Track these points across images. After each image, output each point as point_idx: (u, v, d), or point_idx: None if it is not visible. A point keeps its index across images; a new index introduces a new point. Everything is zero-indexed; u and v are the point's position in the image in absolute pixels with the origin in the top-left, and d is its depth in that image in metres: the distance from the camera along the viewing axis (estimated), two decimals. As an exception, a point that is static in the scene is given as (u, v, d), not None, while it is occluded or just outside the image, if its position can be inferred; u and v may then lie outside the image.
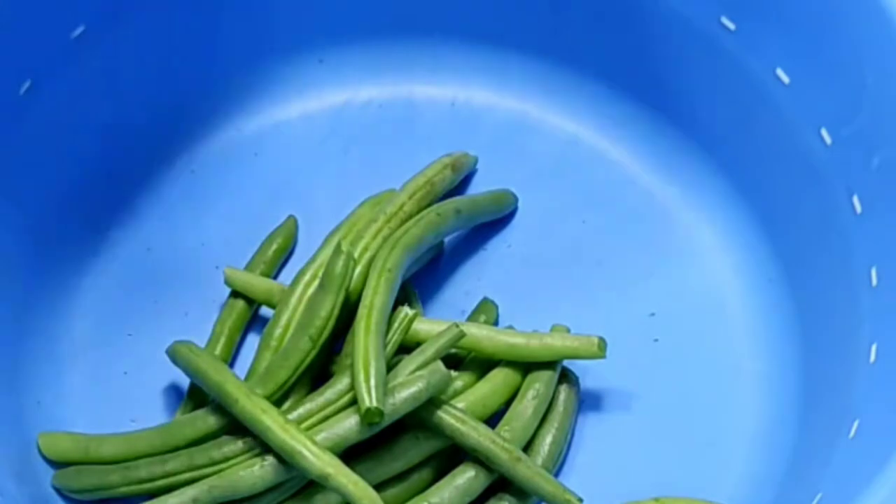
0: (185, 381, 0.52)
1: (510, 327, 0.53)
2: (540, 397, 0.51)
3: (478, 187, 0.59)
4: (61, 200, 0.57)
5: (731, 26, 0.54)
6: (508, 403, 0.51)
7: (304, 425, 0.48)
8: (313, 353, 0.50)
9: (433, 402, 0.49)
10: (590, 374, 0.53)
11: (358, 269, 0.52)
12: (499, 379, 0.51)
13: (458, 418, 0.49)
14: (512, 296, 0.55)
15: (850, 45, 0.50)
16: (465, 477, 0.49)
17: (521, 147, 0.60)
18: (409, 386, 0.48)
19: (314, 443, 0.47)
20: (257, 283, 0.55)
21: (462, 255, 0.57)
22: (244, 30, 0.59)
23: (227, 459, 0.48)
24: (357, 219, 0.56)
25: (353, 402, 0.48)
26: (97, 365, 0.54)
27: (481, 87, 0.61)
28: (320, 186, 0.59)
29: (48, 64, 0.54)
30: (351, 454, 0.48)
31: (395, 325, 0.50)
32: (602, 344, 0.51)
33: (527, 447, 0.50)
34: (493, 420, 0.50)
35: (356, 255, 0.52)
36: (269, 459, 0.47)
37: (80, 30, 0.55)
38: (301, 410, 0.48)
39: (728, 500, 0.50)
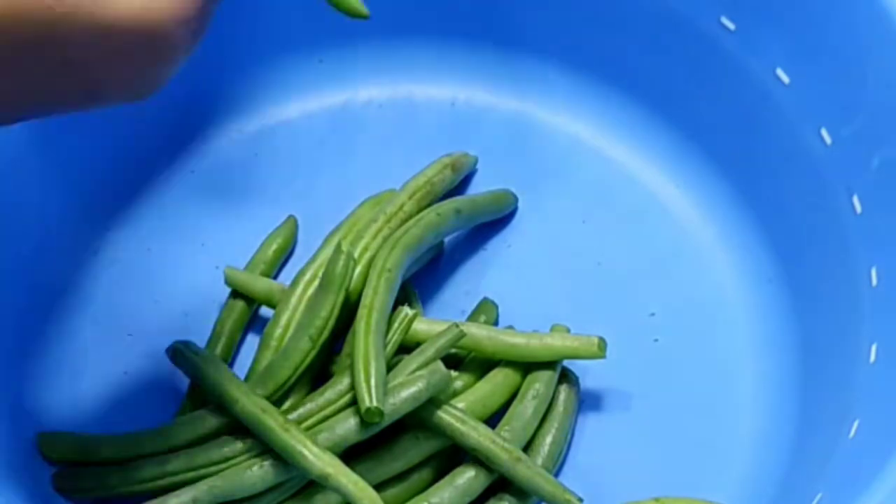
0: (185, 381, 0.52)
1: (510, 327, 0.53)
2: (540, 397, 0.51)
3: (478, 187, 0.59)
4: (61, 200, 0.57)
5: (731, 26, 0.54)
6: (508, 403, 0.51)
7: (304, 425, 0.48)
8: (313, 353, 0.50)
9: (433, 402, 0.49)
10: (590, 374, 0.53)
11: (358, 269, 0.52)
12: (499, 379, 0.51)
13: (458, 418, 0.49)
14: (512, 296, 0.55)
15: (850, 45, 0.50)
16: (465, 477, 0.49)
17: (521, 147, 0.60)
18: (409, 386, 0.48)
19: (314, 443, 0.47)
20: (257, 283, 0.55)
21: (462, 255, 0.57)
22: (244, 30, 0.59)
23: (227, 459, 0.48)
24: (357, 219, 0.56)
25: (353, 402, 0.48)
26: (97, 365, 0.54)
27: (481, 87, 0.61)
28: (320, 186, 0.59)
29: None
30: (351, 454, 0.48)
31: (395, 325, 0.50)
32: (602, 344, 0.51)
33: (527, 447, 0.50)
34: (493, 420, 0.50)
35: (356, 255, 0.52)
36: (269, 459, 0.47)
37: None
38: (301, 410, 0.48)
39: (728, 500, 0.50)
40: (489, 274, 0.57)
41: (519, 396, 0.51)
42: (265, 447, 0.47)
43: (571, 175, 0.59)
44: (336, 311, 0.50)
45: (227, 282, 0.55)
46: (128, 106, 0.58)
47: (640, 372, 0.53)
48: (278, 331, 0.52)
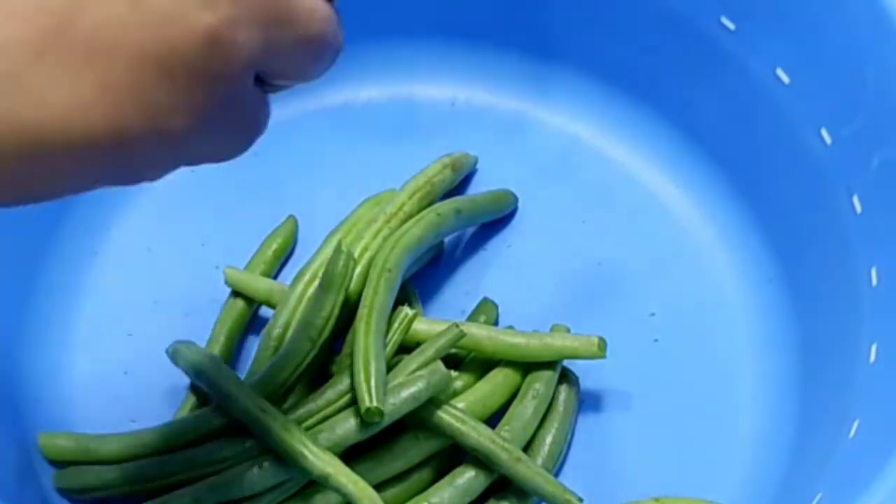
0: (185, 381, 0.52)
1: (510, 327, 0.53)
2: (540, 397, 0.51)
3: (478, 187, 0.59)
4: (61, 200, 0.56)
5: (731, 26, 0.54)
6: (508, 403, 0.51)
7: (304, 425, 0.48)
8: (313, 353, 0.50)
9: (433, 402, 0.49)
10: (590, 374, 0.53)
11: (358, 269, 0.52)
12: (499, 379, 0.51)
13: (458, 418, 0.49)
14: (512, 296, 0.55)
15: (850, 45, 0.50)
16: (465, 477, 0.49)
17: (521, 147, 0.60)
18: (409, 386, 0.48)
19: (314, 443, 0.47)
20: (257, 283, 0.55)
21: (462, 255, 0.57)
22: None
23: (226, 459, 0.48)
24: (357, 219, 0.56)
25: (353, 402, 0.48)
26: (97, 365, 0.54)
27: (481, 87, 0.61)
28: (320, 186, 0.59)
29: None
30: (351, 454, 0.48)
31: (395, 325, 0.50)
32: (602, 344, 0.51)
33: (527, 447, 0.50)
34: (493, 420, 0.50)
35: (356, 255, 0.52)
36: (269, 459, 0.47)
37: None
38: (301, 410, 0.48)
39: (728, 500, 0.50)
40: (489, 274, 0.57)
41: (519, 396, 0.51)
42: (265, 447, 0.47)
43: (571, 175, 0.59)
44: (336, 311, 0.50)
45: (227, 282, 0.55)
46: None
47: (640, 372, 0.53)
48: (278, 331, 0.52)
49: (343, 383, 0.48)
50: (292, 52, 0.35)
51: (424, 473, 0.50)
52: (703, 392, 0.53)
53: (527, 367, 0.51)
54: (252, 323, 0.55)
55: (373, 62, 0.61)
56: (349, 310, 0.51)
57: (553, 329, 0.53)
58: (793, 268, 0.55)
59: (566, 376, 0.52)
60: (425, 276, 0.56)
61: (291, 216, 0.57)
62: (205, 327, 0.54)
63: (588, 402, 0.53)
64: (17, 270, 0.54)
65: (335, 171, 0.59)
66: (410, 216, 0.54)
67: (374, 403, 0.46)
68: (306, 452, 0.46)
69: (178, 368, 0.51)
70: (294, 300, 0.52)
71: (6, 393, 0.52)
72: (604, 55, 0.59)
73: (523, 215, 0.58)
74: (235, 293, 0.55)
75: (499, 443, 0.48)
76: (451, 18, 0.60)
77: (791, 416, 0.52)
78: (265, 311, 0.55)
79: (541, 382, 0.51)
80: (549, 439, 0.51)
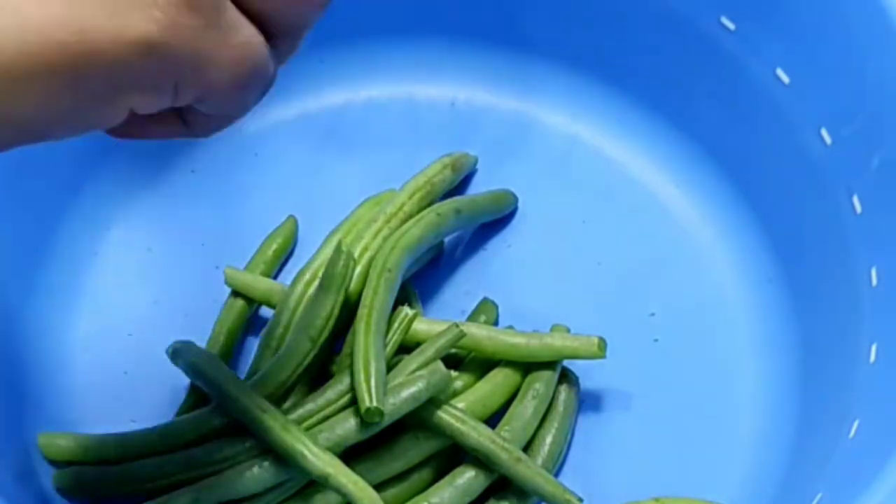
0: (185, 381, 0.52)
1: (510, 327, 0.53)
2: (540, 397, 0.51)
3: (478, 187, 0.59)
4: (62, 200, 0.57)
5: (731, 26, 0.54)
6: (508, 403, 0.51)
7: (304, 425, 0.48)
8: (313, 353, 0.50)
9: (433, 402, 0.49)
10: (590, 374, 0.53)
11: (358, 269, 0.52)
12: (499, 379, 0.51)
13: (458, 418, 0.49)
14: (512, 296, 0.55)
15: (850, 45, 0.50)
16: (465, 477, 0.49)
17: (521, 147, 0.60)
18: (409, 386, 0.48)
19: (314, 443, 0.47)
20: (257, 283, 0.55)
21: (462, 255, 0.57)
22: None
23: (227, 459, 0.48)
24: (357, 219, 0.56)
25: (353, 402, 0.48)
26: (97, 365, 0.54)
27: (481, 87, 0.61)
28: (320, 186, 0.59)
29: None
30: (351, 454, 0.48)
31: (395, 325, 0.50)
32: (602, 344, 0.51)
33: (527, 447, 0.50)
34: (493, 420, 0.50)
35: (356, 255, 0.52)
36: (269, 459, 0.47)
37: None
38: (301, 410, 0.48)
39: (728, 500, 0.50)
40: (489, 274, 0.57)
41: (519, 396, 0.51)
42: (265, 447, 0.47)
43: (571, 175, 0.59)
44: (336, 311, 0.50)
45: (227, 282, 0.55)
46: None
47: (640, 372, 0.53)
48: (278, 331, 0.52)
49: (343, 383, 0.48)
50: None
51: (424, 473, 0.50)
52: (703, 392, 0.53)
53: (527, 367, 0.51)
54: (252, 323, 0.55)
55: (373, 62, 0.61)
56: (349, 310, 0.51)
57: (553, 329, 0.53)
58: (793, 268, 0.55)
59: (566, 376, 0.52)
60: (425, 276, 0.56)
61: (291, 216, 0.57)
62: (205, 327, 0.54)
63: (588, 402, 0.53)
64: (17, 270, 0.54)
65: (335, 171, 0.59)
66: (410, 216, 0.54)
67: (374, 403, 0.46)
68: (306, 452, 0.46)
69: (178, 368, 0.51)
70: (294, 300, 0.52)
71: (6, 393, 0.52)
72: (604, 55, 0.59)
73: (523, 215, 0.58)
74: (235, 293, 0.55)
75: (499, 443, 0.48)
76: (451, 18, 0.60)
77: (791, 416, 0.52)
78: (265, 311, 0.55)
79: (541, 382, 0.51)
80: (549, 439, 0.51)
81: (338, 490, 0.46)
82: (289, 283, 0.54)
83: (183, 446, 0.49)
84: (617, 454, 0.52)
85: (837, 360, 0.50)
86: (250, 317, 0.55)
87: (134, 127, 0.36)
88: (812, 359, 0.53)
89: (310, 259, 0.54)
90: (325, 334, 0.50)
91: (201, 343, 0.53)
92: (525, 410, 0.50)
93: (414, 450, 0.49)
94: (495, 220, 0.58)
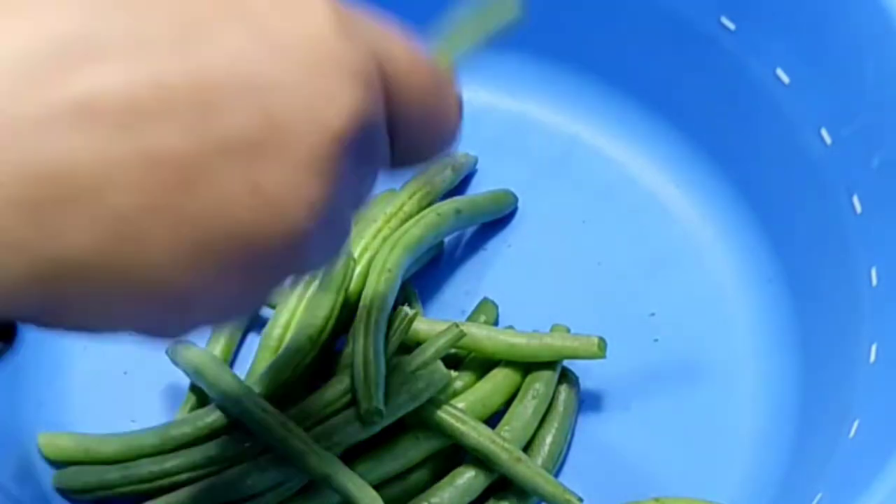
0: (185, 381, 0.52)
1: (510, 327, 0.53)
2: (540, 397, 0.51)
3: (478, 187, 0.59)
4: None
5: (731, 26, 0.54)
6: (508, 403, 0.51)
7: (304, 425, 0.48)
8: (313, 353, 0.50)
9: (433, 402, 0.49)
10: (590, 374, 0.53)
11: (358, 269, 0.52)
12: (499, 379, 0.51)
13: (458, 418, 0.49)
14: (512, 296, 0.55)
15: (850, 45, 0.50)
16: (465, 477, 0.49)
17: (521, 147, 0.60)
18: (409, 386, 0.48)
19: (314, 443, 0.47)
20: (257, 283, 0.54)
21: (462, 255, 0.57)
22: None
23: (226, 459, 0.48)
24: (357, 219, 0.56)
25: (353, 402, 0.48)
26: (97, 365, 0.54)
27: (481, 87, 0.61)
28: (320, 186, 0.59)
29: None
30: (351, 454, 0.48)
31: (395, 325, 0.50)
32: (602, 344, 0.51)
33: (527, 447, 0.50)
34: (493, 420, 0.50)
35: (356, 255, 0.52)
36: (269, 459, 0.47)
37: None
38: (301, 410, 0.48)
39: (728, 500, 0.50)
40: (489, 274, 0.57)
41: (519, 396, 0.51)
42: (265, 447, 0.47)
43: (571, 175, 0.59)
44: (336, 311, 0.50)
45: (227, 282, 0.55)
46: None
47: (640, 372, 0.53)
48: (278, 331, 0.52)
49: (343, 383, 0.48)
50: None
51: (424, 473, 0.50)
52: (703, 392, 0.53)
53: (527, 367, 0.51)
54: (252, 323, 0.55)
55: (373, 62, 0.61)
56: (349, 310, 0.51)
57: (553, 329, 0.53)
58: (793, 268, 0.55)
59: (566, 376, 0.52)
60: (425, 276, 0.56)
61: (291, 216, 0.57)
62: (205, 327, 0.54)
63: (588, 402, 0.53)
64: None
65: (335, 171, 0.59)
66: (410, 216, 0.54)
67: (374, 403, 0.46)
68: (306, 452, 0.46)
69: (178, 368, 0.51)
70: (294, 300, 0.52)
71: (6, 393, 0.52)
72: (604, 55, 0.59)
73: (523, 215, 0.58)
74: (235, 293, 0.55)
75: (499, 443, 0.48)
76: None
77: (791, 416, 0.52)
78: (265, 311, 0.55)
79: (541, 382, 0.51)
80: (549, 439, 0.51)
81: (338, 490, 0.46)
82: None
83: (183, 446, 0.49)
84: (617, 454, 0.52)
85: (837, 360, 0.50)
86: (250, 317, 0.55)
87: None
88: (812, 359, 0.53)
89: (310, 259, 0.54)
90: (325, 334, 0.50)
91: (201, 343, 0.53)
92: (525, 410, 0.50)
93: (414, 450, 0.49)
94: (495, 220, 0.58)
